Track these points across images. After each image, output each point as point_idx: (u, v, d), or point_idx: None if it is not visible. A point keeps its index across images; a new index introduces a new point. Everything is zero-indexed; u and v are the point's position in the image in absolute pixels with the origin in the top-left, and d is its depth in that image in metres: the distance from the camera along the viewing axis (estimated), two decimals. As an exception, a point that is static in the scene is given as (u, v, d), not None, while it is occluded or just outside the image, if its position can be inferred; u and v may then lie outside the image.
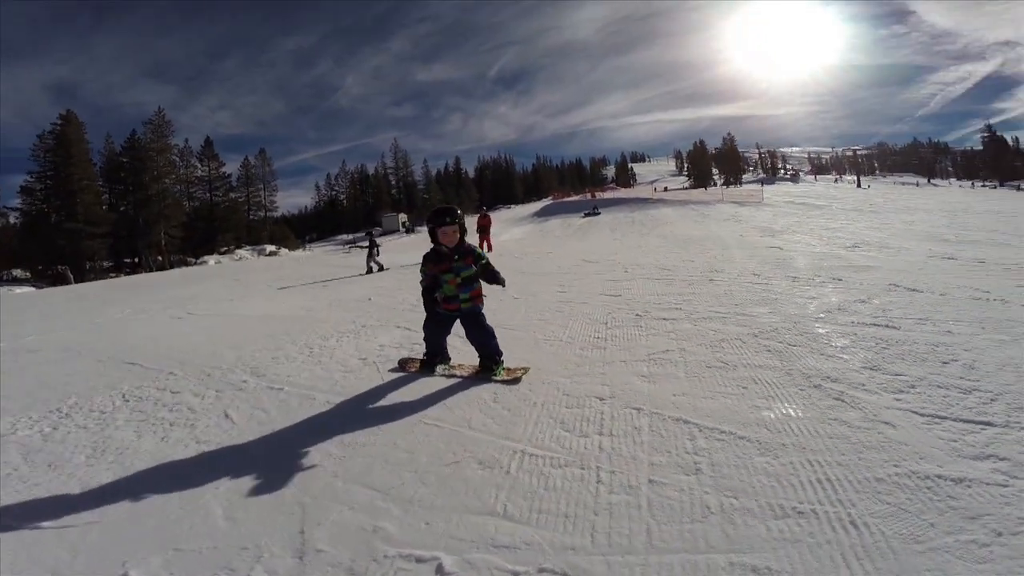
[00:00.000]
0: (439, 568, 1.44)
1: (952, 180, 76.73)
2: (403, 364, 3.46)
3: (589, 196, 44.28)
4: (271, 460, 2.27)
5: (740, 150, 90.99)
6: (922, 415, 2.16)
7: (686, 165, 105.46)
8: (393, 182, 77.27)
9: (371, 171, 77.80)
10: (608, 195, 43.29)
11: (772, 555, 1.36)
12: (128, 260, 41.16)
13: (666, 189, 53.23)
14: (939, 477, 1.66)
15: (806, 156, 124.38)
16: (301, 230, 63.23)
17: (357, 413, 2.75)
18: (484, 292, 3.18)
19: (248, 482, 2.06)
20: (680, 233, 15.49)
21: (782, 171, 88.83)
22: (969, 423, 2.04)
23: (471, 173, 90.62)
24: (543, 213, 33.57)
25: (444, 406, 2.70)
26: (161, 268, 36.74)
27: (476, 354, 3.20)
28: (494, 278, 3.15)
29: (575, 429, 2.26)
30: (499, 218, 35.61)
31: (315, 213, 77.94)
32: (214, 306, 8.22)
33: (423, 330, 3.25)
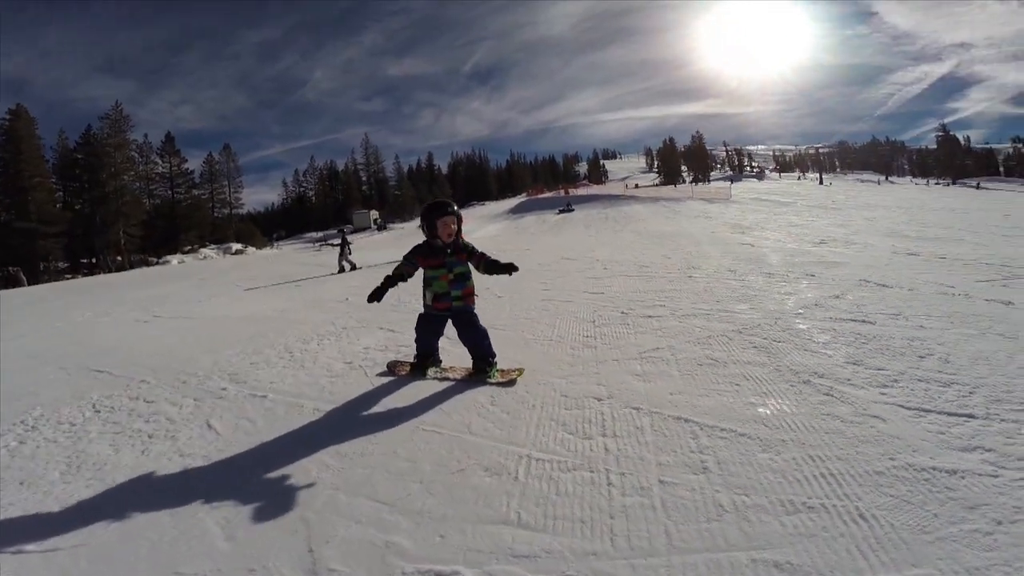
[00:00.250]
0: (461, 582, 1.44)
1: (908, 178, 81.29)
2: (392, 367, 3.41)
3: (563, 193, 44.67)
4: (264, 473, 2.19)
5: (708, 148, 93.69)
6: (908, 408, 2.29)
7: (656, 162, 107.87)
8: (364, 178, 75.91)
9: (341, 167, 76.33)
10: (581, 192, 43.76)
11: (791, 550, 1.42)
12: (85, 261, 39.14)
13: (637, 186, 54.28)
14: (934, 469, 1.76)
15: (771, 154, 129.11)
16: (268, 228, 61.44)
17: (349, 421, 2.69)
18: (476, 292, 3.17)
19: (243, 497, 1.99)
20: (653, 229, 15.83)
21: (748, 169, 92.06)
22: (953, 415, 2.17)
23: (444, 169, 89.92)
24: (518, 210, 33.71)
25: (441, 411, 2.67)
26: (120, 268, 35.23)
27: (465, 355, 3.18)
28: (498, 267, 3.03)
29: (578, 431, 2.29)
30: (473, 215, 35.56)
31: (283, 210, 75.84)
32: (182, 308, 7.94)
33: (415, 331, 3.21)
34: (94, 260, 38.53)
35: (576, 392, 2.75)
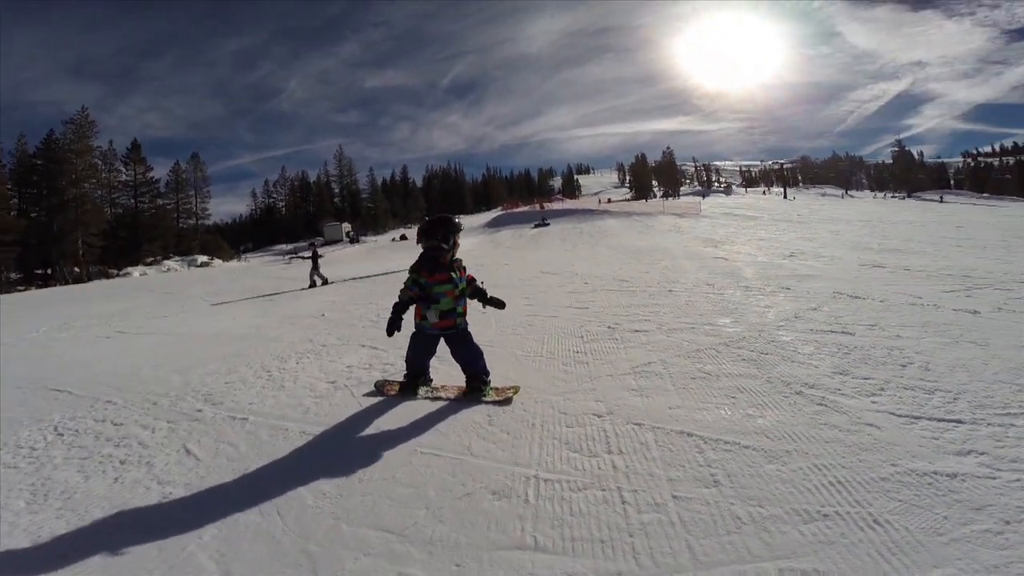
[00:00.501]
0: (482, 610, 1.41)
1: (866, 192, 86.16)
2: (380, 387, 3.35)
3: (538, 207, 45.27)
4: (253, 502, 2.10)
5: (677, 163, 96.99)
6: (899, 416, 2.41)
7: (628, 177, 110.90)
8: (336, 190, 75.00)
9: (313, 178, 75.30)
10: (556, 206, 44.44)
11: (815, 558, 1.47)
12: (40, 271, 36.83)
13: (610, 200, 55.57)
14: (935, 473, 1.87)
15: (737, 169, 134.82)
16: (235, 239, 59.78)
17: (340, 444, 2.62)
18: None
19: (235, 529, 1.90)
20: (628, 244, 16.19)
21: (716, 184, 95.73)
22: (942, 421, 2.31)
23: (419, 183, 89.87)
24: (494, 224, 33.90)
25: (438, 432, 2.64)
26: (78, 280, 33.39)
27: (454, 372, 3.16)
28: (483, 297, 3.12)
29: (583, 449, 2.30)
30: (443, 229, 35.23)
31: (251, 221, 74.11)
32: (147, 323, 7.65)
33: (408, 351, 3.16)
34: (49, 271, 36.51)
35: (575, 409, 2.77)
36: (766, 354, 3.54)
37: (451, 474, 2.20)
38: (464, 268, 3.09)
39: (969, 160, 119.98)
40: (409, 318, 3.05)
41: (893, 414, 2.44)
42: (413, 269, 2.93)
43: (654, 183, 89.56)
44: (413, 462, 2.33)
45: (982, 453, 1.99)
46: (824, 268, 8.45)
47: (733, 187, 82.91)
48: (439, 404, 3.01)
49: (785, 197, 55.17)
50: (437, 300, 2.92)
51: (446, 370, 3.41)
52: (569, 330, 4.62)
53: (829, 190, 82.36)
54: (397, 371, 3.70)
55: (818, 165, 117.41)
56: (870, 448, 2.11)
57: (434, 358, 3.30)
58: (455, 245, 2.98)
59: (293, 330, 5.87)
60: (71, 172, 39.52)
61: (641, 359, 3.58)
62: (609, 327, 4.61)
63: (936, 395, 2.63)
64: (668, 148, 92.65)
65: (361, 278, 11.68)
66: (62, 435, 3.06)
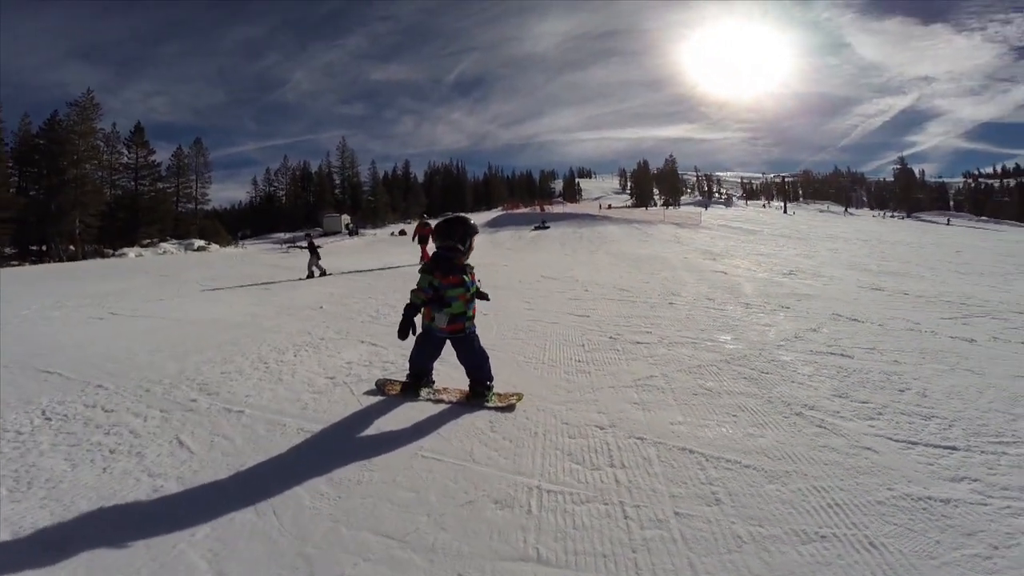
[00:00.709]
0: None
1: (866, 209, 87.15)
2: (382, 386, 3.37)
3: (538, 209, 45.44)
4: (249, 499, 2.12)
5: (679, 172, 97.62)
6: (896, 441, 2.47)
7: (629, 184, 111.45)
8: (338, 181, 75.08)
9: (314, 169, 75.42)
10: (556, 209, 44.61)
11: (813, 581, 1.52)
12: (35, 248, 36.64)
13: (610, 207, 55.75)
14: (929, 499, 1.93)
15: (739, 181, 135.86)
16: (234, 226, 59.60)
17: (340, 444, 2.64)
18: None
19: (229, 528, 1.92)
20: (627, 252, 16.30)
21: (717, 195, 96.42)
22: (938, 448, 2.37)
23: (420, 178, 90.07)
24: (494, 224, 33.98)
25: (439, 436, 2.67)
26: (73, 259, 33.28)
27: (456, 374, 3.19)
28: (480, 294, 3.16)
29: (585, 461, 2.34)
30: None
31: (250, 209, 74.30)
32: (142, 306, 7.62)
33: (413, 351, 3.18)
34: (44, 248, 36.33)
35: (577, 420, 2.81)
36: (767, 373, 3.60)
37: (453, 480, 2.23)
38: (474, 271, 3.12)
39: (970, 181, 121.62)
40: (416, 318, 3.09)
41: (891, 439, 2.50)
42: (427, 269, 2.93)
43: (655, 191, 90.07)
44: (414, 466, 2.36)
45: (975, 480, 2.05)
46: (823, 288, 8.55)
47: (734, 199, 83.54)
48: (441, 407, 3.04)
49: (785, 212, 55.64)
50: (449, 303, 2.93)
51: (447, 372, 3.45)
52: (571, 338, 4.67)
53: (830, 206, 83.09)
54: (398, 370, 3.74)
55: (819, 180, 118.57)
56: (867, 471, 2.17)
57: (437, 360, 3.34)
58: (470, 248, 3.01)
59: (291, 321, 5.88)
60: (73, 153, 39.59)
61: (643, 372, 3.63)
62: (611, 337, 4.66)
63: (932, 421, 2.70)
64: (671, 156, 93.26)
65: (361, 272, 11.67)
66: (50, 420, 3.04)
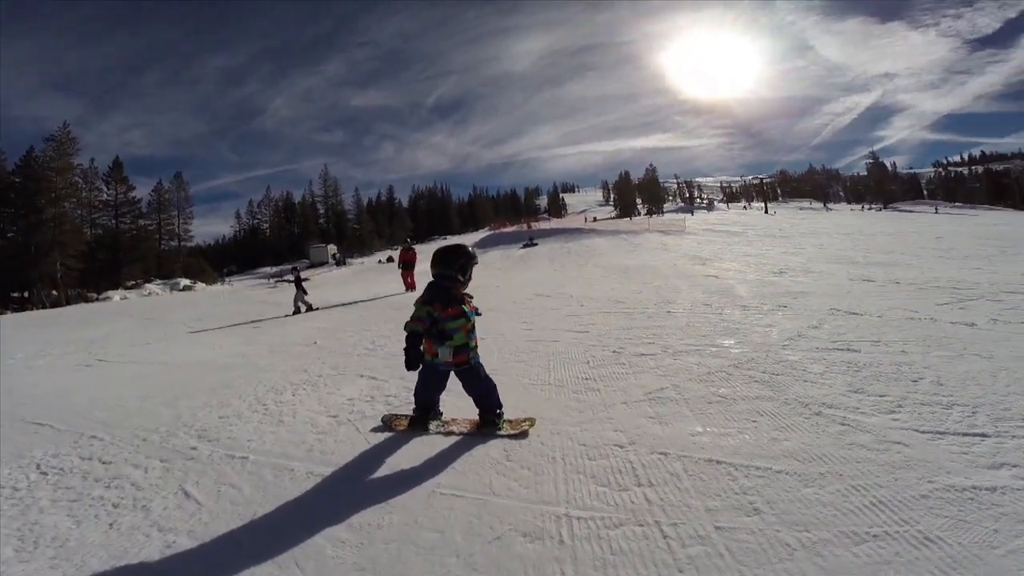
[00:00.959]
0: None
1: (843, 204, 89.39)
2: (388, 422, 3.27)
3: (525, 227, 45.80)
4: (267, 553, 2.01)
5: (660, 180, 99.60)
6: (923, 432, 2.46)
7: (612, 195, 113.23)
8: (322, 211, 75.42)
9: (297, 198, 75.83)
10: (543, 225, 44.97)
11: (876, 582, 1.47)
12: (16, 295, 35.69)
13: (595, 219, 56.38)
14: (974, 488, 1.92)
15: (718, 185, 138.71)
16: (219, 262, 59.23)
17: (353, 486, 2.54)
18: None
19: (252, 587, 1.82)
20: (617, 263, 16.40)
21: (699, 200, 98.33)
22: (967, 436, 2.36)
23: (405, 203, 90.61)
24: (482, 244, 34.08)
25: (455, 470, 2.59)
26: (56, 304, 32.64)
27: (463, 403, 3.11)
28: None
29: (611, 483, 2.28)
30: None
31: (234, 243, 73.86)
32: (129, 351, 7.48)
33: (417, 386, 3.11)
34: (26, 295, 35.42)
35: (594, 440, 2.75)
36: (778, 375, 3.59)
37: (476, 516, 2.14)
38: (471, 300, 3.06)
39: (940, 170, 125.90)
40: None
41: (917, 431, 2.48)
42: (425, 301, 2.86)
43: (638, 200, 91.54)
44: (434, 504, 2.27)
45: (1015, 465, 2.05)
46: (816, 284, 8.66)
47: (715, 203, 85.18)
48: (452, 439, 2.96)
49: (766, 212, 56.74)
50: (451, 336, 2.86)
51: (453, 401, 3.36)
52: (574, 355, 4.62)
53: (807, 204, 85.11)
54: (402, 403, 3.65)
55: (796, 179, 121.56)
56: (903, 466, 2.14)
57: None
58: (469, 279, 2.98)
59: (285, 359, 5.76)
60: (50, 191, 38.96)
61: (653, 384, 3.59)
62: (614, 351, 4.63)
63: (954, 410, 2.70)
64: (651, 165, 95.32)
65: (350, 304, 11.53)
66: (46, 474, 2.94)
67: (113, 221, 47.54)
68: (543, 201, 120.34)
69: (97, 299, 34.53)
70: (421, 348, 2.82)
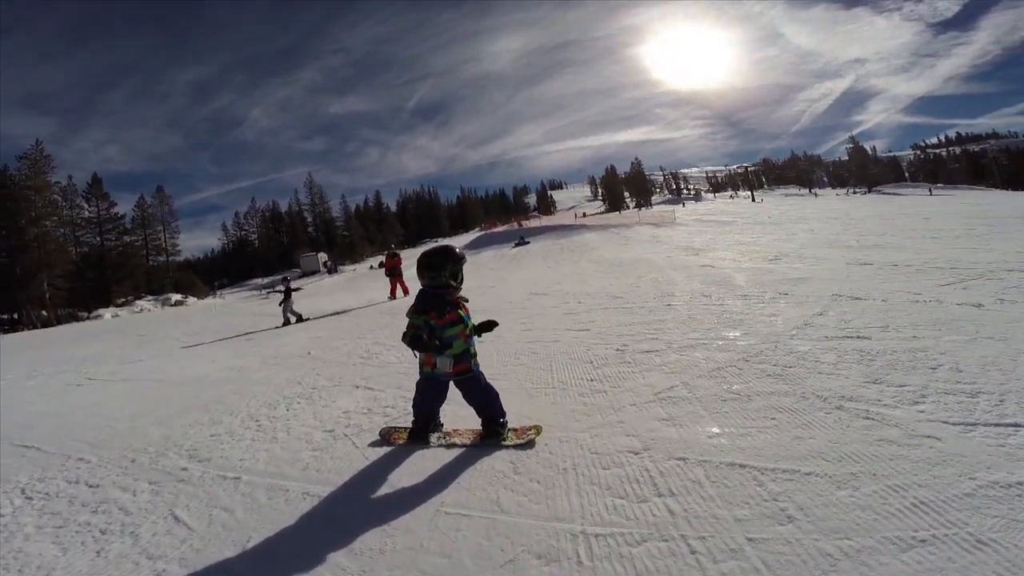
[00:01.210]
0: None
1: (828, 189, 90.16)
2: (387, 436, 3.10)
3: (516, 225, 45.67)
4: (263, 586, 1.85)
5: (646, 173, 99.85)
6: (953, 424, 2.34)
7: (600, 190, 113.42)
8: (309, 219, 74.88)
9: (284, 208, 75.25)
10: (533, 223, 44.85)
11: (933, 596, 1.34)
12: (6, 316, 35.14)
13: (585, 215, 56.38)
14: (1020, 484, 1.78)
15: (703, 175, 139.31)
16: (209, 275, 58.78)
17: (351, 506, 2.38)
18: None
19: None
20: (610, 257, 16.28)
21: (686, 191, 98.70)
22: (1000, 426, 2.24)
23: (393, 207, 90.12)
24: (475, 245, 33.90)
25: (459, 486, 2.42)
26: (47, 324, 32.47)
27: (464, 412, 2.95)
28: (478, 330, 2.91)
29: (628, 494, 2.13)
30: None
31: (224, 255, 73.11)
32: (120, 369, 7.33)
33: (415, 398, 2.94)
34: (15, 316, 34.85)
35: (606, 447, 2.60)
36: (790, 367, 3.46)
37: (485, 537, 1.98)
38: (467, 303, 2.89)
39: (919, 152, 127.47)
40: (415, 363, 2.85)
41: (946, 423, 2.36)
42: (419, 311, 2.69)
43: (626, 194, 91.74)
44: (439, 525, 2.11)
45: (1058, 459, 1.92)
46: (813, 270, 8.59)
47: (702, 193, 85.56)
48: (455, 452, 2.80)
49: (753, 200, 57.09)
50: (450, 344, 2.70)
51: (453, 410, 3.19)
52: (576, 355, 4.47)
53: (792, 190, 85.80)
54: (400, 414, 3.48)
55: (779, 166, 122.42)
56: (939, 462, 2.01)
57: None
58: (461, 281, 2.81)
59: (278, 371, 5.59)
60: (30, 210, 38.49)
61: (662, 383, 3.45)
62: (617, 349, 4.48)
63: (980, 399, 2.58)
64: (636, 159, 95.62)
65: (343, 313, 11.31)
66: (31, 499, 2.83)
67: (98, 238, 47.06)
68: (532, 199, 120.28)
69: (88, 318, 34.18)
70: (424, 337, 2.65)
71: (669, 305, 6.39)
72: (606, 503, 2.09)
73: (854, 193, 69.20)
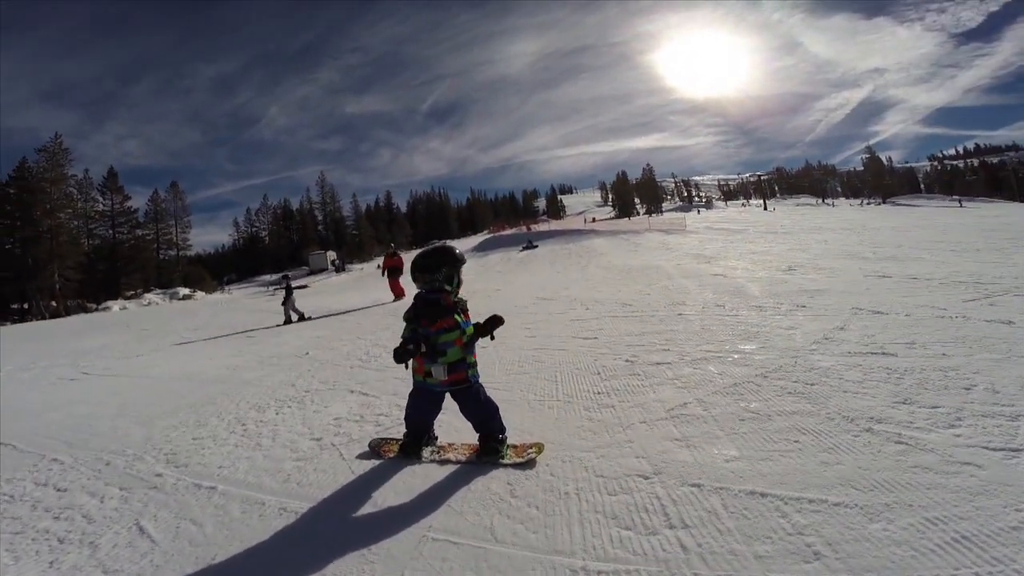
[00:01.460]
0: None
1: (841, 199, 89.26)
2: (376, 448, 2.93)
3: (524, 229, 45.70)
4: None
5: (657, 180, 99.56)
6: (994, 450, 2.13)
7: (611, 196, 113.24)
8: (320, 217, 75.93)
9: (295, 206, 76.52)
10: (542, 227, 44.85)
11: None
12: (16, 306, 35.86)
13: (595, 220, 56.18)
14: None
15: (715, 183, 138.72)
16: (218, 270, 59.83)
17: (331, 525, 2.21)
18: None
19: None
20: (619, 264, 16.07)
21: (697, 199, 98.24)
22: (1049, 456, 2.02)
23: (403, 208, 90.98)
24: (482, 248, 33.98)
25: (450, 508, 2.24)
26: (56, 315, 33.09)
27: (460, 425, 2.78)
28: (485, 330, 2.62)
29: (636, 525, 1.94)
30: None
31: (234, 251, 74.39)
32: (116, 363, 7.33)
33: (407, 409, 2.77)
34: (26, 306, 35.43)
35: (613, 470, 2.41)
36: (812, 384, 3.25)
37: (475, 570, 1.80)
38: (467, 309, 2.67)
39: (936, 164, 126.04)
40: (406, 374, 2.69)
41: (986, 448, 2.15)
42: (409, 318, 2.54)
43: (636, 200, 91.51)
44: (424, 553, 1.93)
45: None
46: (830, 281, 8.34)
47: (713, 201, 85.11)
48: (448, 469, 2.62)
49: (765, 208, 56.60)
50: (444, 352, 2.51)
51: (449, 421, 3.02)
52: (583, 365, 4.29)
53: (805, 199, 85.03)
54: (393, 423, 3.32)
55: (793, 175, 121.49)
56: (982, 492, 1.82)
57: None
58: (459, 284, 2.63)
59: (274, 372, 5.48)
60: (45, 202, 39.41)
61: (674, 399, 3.25)
62: (627, 360, 4.29)
63: (1021, 422, 2.36)
64: (648, 165, 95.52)
65: (350, 312, 11.21)
66: None
67: (110, 231, 47.89)
68: (541, 203, 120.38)
69: (96, 309, 34.66)
70: (410, 347, 2.47)
71: (680, 314, 6.19)
72: (611, 535, 1.90)
73: (868, 204, 68.33)
